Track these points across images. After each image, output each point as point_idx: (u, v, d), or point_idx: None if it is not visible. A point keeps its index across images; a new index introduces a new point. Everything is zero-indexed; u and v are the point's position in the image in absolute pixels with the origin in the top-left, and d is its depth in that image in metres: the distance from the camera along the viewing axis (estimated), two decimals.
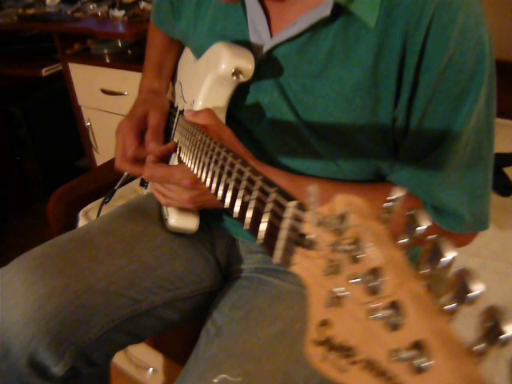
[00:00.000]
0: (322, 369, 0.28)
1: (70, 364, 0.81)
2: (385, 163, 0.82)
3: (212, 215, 0.95)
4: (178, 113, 0.98)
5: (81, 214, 1.43)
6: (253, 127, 0.86)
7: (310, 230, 0.33)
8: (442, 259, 0.25)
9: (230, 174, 0.56)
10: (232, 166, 0.56)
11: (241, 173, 0.53)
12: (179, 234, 0.95)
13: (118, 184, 1.32)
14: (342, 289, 0.28)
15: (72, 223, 1.44)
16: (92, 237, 0.90)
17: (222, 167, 0.60)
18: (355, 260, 0.28)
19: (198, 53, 0.94)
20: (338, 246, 0.29)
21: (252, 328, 0.78)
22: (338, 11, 0.70)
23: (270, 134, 0.84)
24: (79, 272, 0.83)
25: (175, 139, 0.93)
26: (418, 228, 0.27)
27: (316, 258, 0.31)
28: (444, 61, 0.67)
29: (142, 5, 1.78)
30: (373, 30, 0.69)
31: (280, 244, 0.38)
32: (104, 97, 2.00)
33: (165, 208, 0.96)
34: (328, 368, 0.28)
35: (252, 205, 0.46)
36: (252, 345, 0.75)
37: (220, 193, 0.58)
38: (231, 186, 0.54)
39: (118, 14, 1.84)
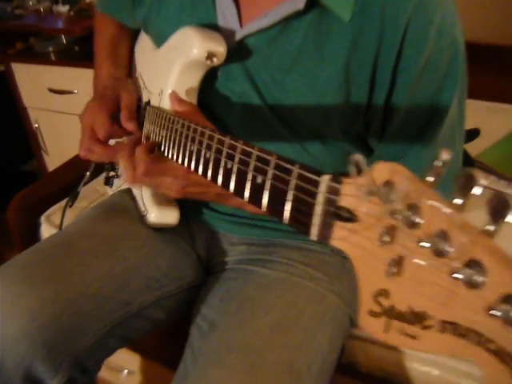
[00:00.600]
0: (388, 339, 0.28)
1: (67, 376, 0.78)
2: (358, 152, 0.82)
3: (191, 208, 0.93)
4: (144, 104, 0.95)
5: (43, 218, 1.37)
6: (224, 115, 0.84)
7: (350, 202, 0.33)
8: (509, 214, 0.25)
9: (231, 157, 0.54)
10: (233, 148, 0.54)
11: (246, 153, 0.51)
12: (160, 230, 0.93)
13: (81, 185, 1.28)
14: (406, 255, 0.27)
15: (34, 229, 1.37)
16: (75, 240, 0.86)
17: (219, 151, 0.58)
18: (414, 225, 0.27)
19: (161, 39, 0.91)
20: (392, 214, 0.28)
21: (248, 319, 0.77)
22: (311, 4, 0.69)
23: (241, 123, 0.83)
24: (69, 279, 0.79)
25: (145, 130, 0.91)
26: (476, 187, 0.27)
27: (364, 230, 0.31)
28: (422, 61, 0.68)
29: None
30: (347, 26, 0.69)
31: (316, 220, 0.37)
32: (52, 96, 1.92)
33: (142, 203, 0.93)
34: (396, 337, 0.27)
35: (268, 185, 0.44)
36: (251, 336, 0.74)
37: (220, 179, 0.56)
38: (235, 169, 0.52)
39: (63, 9, 1.77)
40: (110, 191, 1.13)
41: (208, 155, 0.62)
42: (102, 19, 1.11)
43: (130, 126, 0.90)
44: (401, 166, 0.31)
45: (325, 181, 0.37)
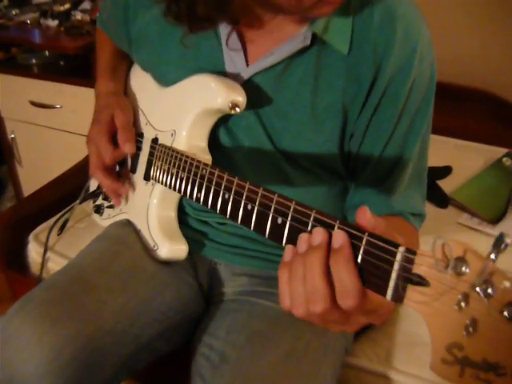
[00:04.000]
0: (463, 383, 0.37)
1: None
2: (339, 188, 0.95)
3: (193, 240, 0.98)
4: (150, 140, 0.98)
5: (31, 237, 1.39)
6: (230, 149, 0.91)
7: (423, 270, 0.43)
8: None
9: (282, 214, 0.62)
10: (301, 213, 0.61)
11: (301, 212, 0.60)
12: (165, 263, 0.97)
13: (71, 213, 1.31)
14: (480, 318, 0.37)
15: (20, 247, 1.39)
16: (89, 276, 0.89)
17: (278, 211, 0.64)
18: (487, 295, 0.37)
19: (165, 80, 0.96)
20: (467, 284, 0.38)
21: (260, 352, 0.83)
22: (313, 40, 0.80)
23: (247, 157, 0.90)
24: (87, 316, 0.83)
25: (156, 169, 0.94)
26: None
27: (437, 294, 0.40)
28: (409, 85, 0.82)
29: (80, 16, 1.76)
30: (343, 59, 0.80)
31: (392, 283, 0.46)
32: (33, 109, 1.94)
33: (150, 238, 0.96)
34: (471, 381, 0.36)
35: None
36: (265, 369, 0.81)
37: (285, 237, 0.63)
38: (288, 225, 0.61)
39: (52, 23, 1.80)
40: (100, 220, 1.14)
41: (250, 207, 0.69)
42: (102, 34, 1.14)
43: (127, 148, 0.94)
44: (470, 245, 0.40)
45: (401, 251, 0.46)
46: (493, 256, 0.39)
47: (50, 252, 1.32)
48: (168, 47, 0.92)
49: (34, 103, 1.92)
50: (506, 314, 0.36)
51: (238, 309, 0.94)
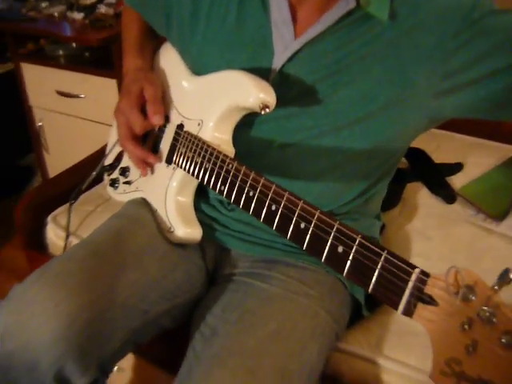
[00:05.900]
0: None
1: (93, 377, 0.82)
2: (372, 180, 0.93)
3: (204, 225, 0.96)
4: (175, 126, 0.95)
5: (49, 218, 1.37)
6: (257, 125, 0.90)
7: (433, 291, 0.44)
8: None
9: (305, 219, 0.63)
10: (309, 212, 0.62)
11: (326, 223, 0.59)
12: (177, 245, 0.96)
13: (86, 183, 1.27)
14: (482, 341, 0.33)
15: (39, 228, 1.37)
16: (104, 252, 0.89)
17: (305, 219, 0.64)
18: (490, 322, 0.36)
19: (205, 61, 0.94)
20: (473, 310, 0.37)
21: (248, 329, 0.82)
22: (356, 10, 0.80)
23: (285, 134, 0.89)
24: (101, 288, 0.84)
25: (180, 155, 0.92)
26: None
27: (444, 315, 0.41)
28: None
29: (104, 9, 1.72)
30: (388, 24, 0.79)
31: (404, 299, 0.48)
32: (59, 98, 1.92)
33: (167, 220, 0.95)
34: None
35: (351, 257, 0.54)
36: (251, 344, 0.80)
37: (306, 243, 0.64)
38: (310, 231, 0.61)
39: (78, 16, 1.77)
40: (114, 194, 1.14)
41: (274, 208, 0.69)
42: (129, 13, 1.12)
43: (156, 120, 0.92)
44: (480, 276, 0.40)
45: (416, 273, 0.47)
46: (497, 288, 0.39)
47: (71, 236, 1.30)
48: (213, 27, 0.91)
49: (60, 92, 1.90)
50: (503, 340, 0.35)
51: (235, 289, 0.94)
